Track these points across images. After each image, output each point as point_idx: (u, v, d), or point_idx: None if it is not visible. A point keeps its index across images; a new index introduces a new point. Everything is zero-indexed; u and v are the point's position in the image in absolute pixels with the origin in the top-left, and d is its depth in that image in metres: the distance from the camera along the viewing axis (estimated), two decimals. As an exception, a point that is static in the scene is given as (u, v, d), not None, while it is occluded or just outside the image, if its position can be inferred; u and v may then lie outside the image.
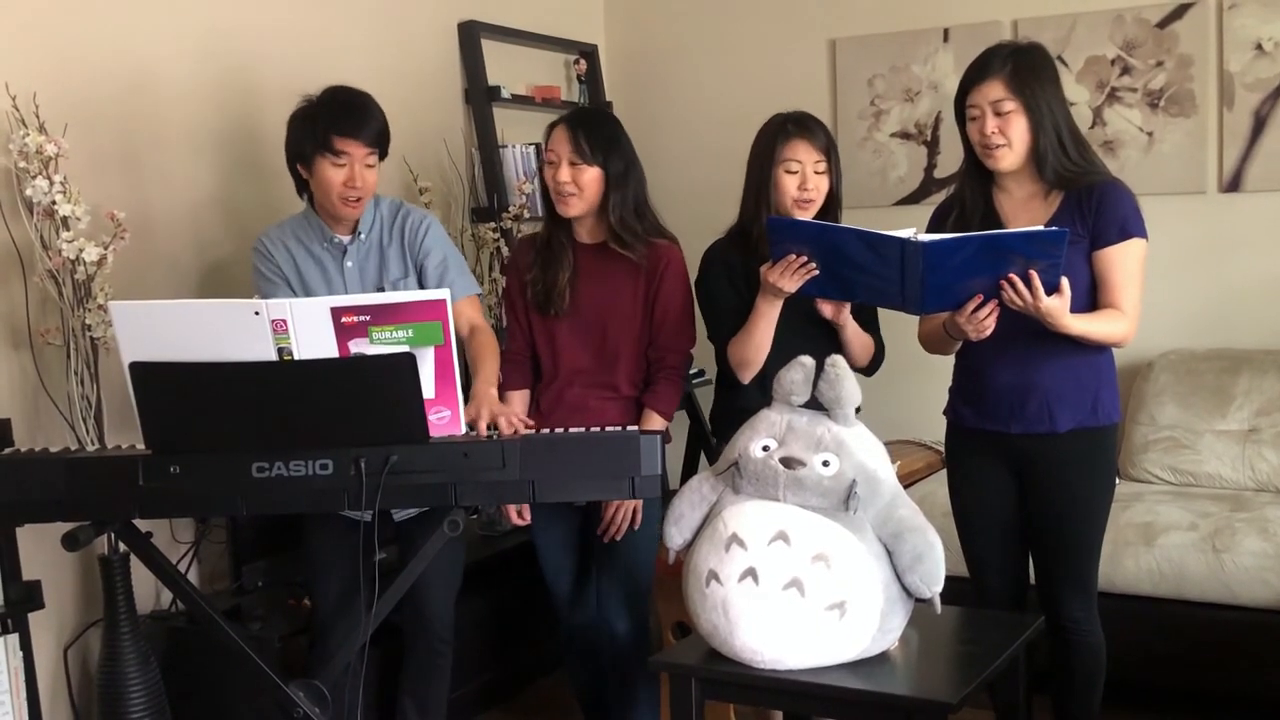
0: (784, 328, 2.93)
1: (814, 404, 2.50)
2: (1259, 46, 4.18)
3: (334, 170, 2.90)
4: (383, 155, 2.99)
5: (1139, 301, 2.80)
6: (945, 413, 3.04)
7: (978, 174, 2.88)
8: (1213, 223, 4.26)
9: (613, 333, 3.07)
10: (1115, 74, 4.37)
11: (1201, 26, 4.24)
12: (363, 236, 3.01)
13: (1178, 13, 4.28)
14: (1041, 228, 2.67)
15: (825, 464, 2.41)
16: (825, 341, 2.95)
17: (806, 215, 2.98)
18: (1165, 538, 3.60)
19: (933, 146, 4.72)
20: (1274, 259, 4.22)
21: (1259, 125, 4.20)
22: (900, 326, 3.11)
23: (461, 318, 3.00)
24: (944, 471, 4.26)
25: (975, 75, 2.81)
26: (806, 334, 2.93)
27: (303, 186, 3.02)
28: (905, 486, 2.53)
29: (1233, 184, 4.26)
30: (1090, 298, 2.79)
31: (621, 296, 3.06)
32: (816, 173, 2.99)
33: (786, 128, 3.01)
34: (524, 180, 4.50)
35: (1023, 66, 2.76)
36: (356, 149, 2.89)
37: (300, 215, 3.06)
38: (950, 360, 3.02)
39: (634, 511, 3.03)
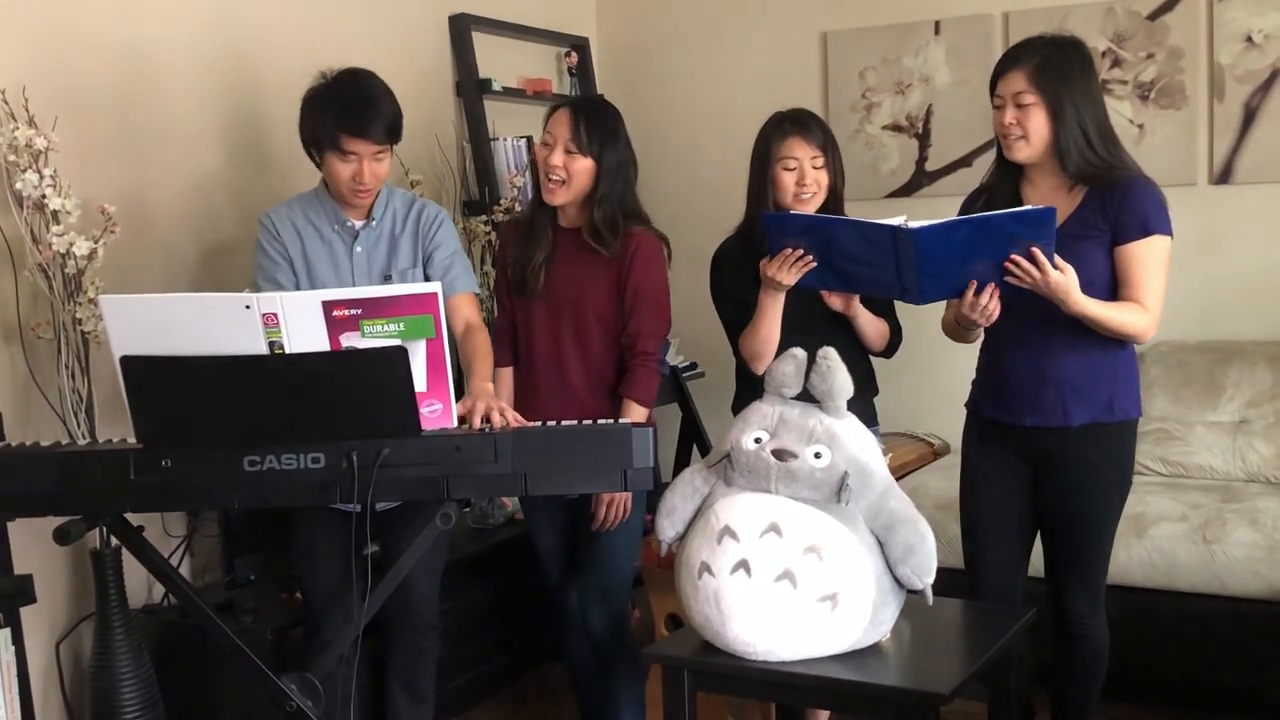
0: (797, 319, 2.94)
1: (807, 396, 2.50)
2: (1249, 39, 4.19)
3: (343, 166, 2.91)
4: (395, 141, 2.98)
5: (1162, 298, 2.79)
6: (966, 405, 3.05)
7: (1007, 164, 2.88)
8: (1203, 215, 4.26)
9: (586, 318, 3.07)
10: (1106, 66, 4.37)
11: (1192, 19, 4.25)
12: (374, 223, 3.02)
13: (1168, 5, 4.28)
14: (1029, 207, 2.67)
15: (817, 456, 2.41)
16: (839, 330, 2.97)
17: (807, 211, 2.99)
18: (1156, 529, 3.61)
19: (924, 139, 4.72)
20: (1264, 251, 4.22)
21: (1249, 117, 4.21)
22: (908, 319, 3.12)
23: (458, 314, 3.00)
24: (936, 464, 4.30)
25: (1004, 64, 2.82)
26: (818, 327, 2.94)
27: (319, 164, 3.01)
28: (897, 478, 2.53)
29: (1223, 176, 4.26)
30: (1111, 293, 2.78)
31: (595, 282, 3.05)
32: (814, 168, 3.01)
33: (783, 125, 3.04)
34: (515, 173, 4.50)
35: (1050, 61, 2.75)
36: (365, 147, 2.89)
37: (311, 194, 3.05)
38: (963, 352, 3.02)
39: (624, 505, 3.03)
